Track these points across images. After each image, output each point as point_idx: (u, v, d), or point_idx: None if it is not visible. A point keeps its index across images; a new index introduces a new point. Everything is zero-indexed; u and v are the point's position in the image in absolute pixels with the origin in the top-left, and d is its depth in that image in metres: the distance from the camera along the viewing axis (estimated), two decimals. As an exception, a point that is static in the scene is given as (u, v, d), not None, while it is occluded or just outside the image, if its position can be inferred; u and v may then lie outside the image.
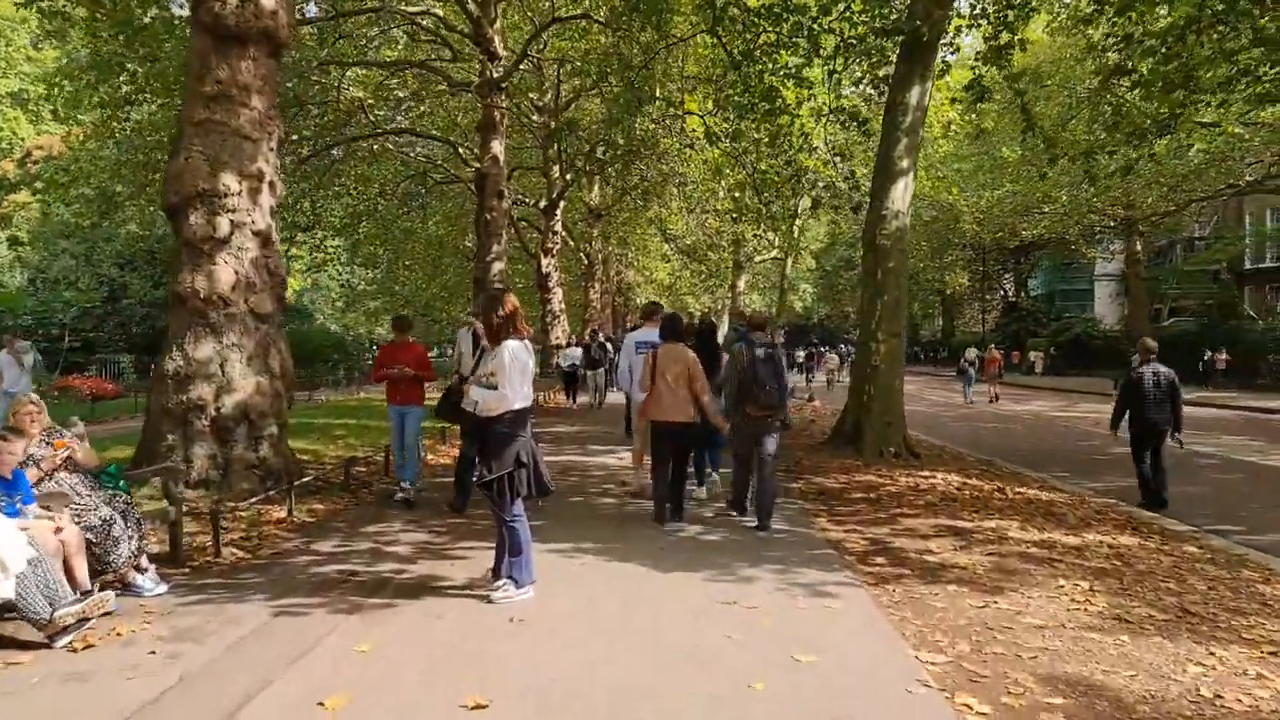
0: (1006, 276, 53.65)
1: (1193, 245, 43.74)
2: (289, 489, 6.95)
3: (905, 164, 10.82)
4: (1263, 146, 21.49)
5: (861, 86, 14.39)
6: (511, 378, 4.73)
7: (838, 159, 14.63)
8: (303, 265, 36.65)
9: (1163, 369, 8.79)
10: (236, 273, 7.75)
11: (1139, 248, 37.06)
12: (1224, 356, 28.77)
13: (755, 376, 6.66)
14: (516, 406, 4.77)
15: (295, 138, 20.66)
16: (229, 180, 7.70)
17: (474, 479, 5.04)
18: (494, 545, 5.11)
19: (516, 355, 4.77)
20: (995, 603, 4.88)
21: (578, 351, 19.86)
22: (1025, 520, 7.20)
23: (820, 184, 18.92)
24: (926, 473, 9.57)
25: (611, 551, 5.98)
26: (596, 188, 31.17)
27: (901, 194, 10.80)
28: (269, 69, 8.04)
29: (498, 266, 19.62)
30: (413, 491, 7.76)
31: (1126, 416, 8.94)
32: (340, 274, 36.67)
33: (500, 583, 4.84)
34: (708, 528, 6.83)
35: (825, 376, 31.85)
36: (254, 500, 6.93)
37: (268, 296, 7.99)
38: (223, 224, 7.66)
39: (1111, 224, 35.60)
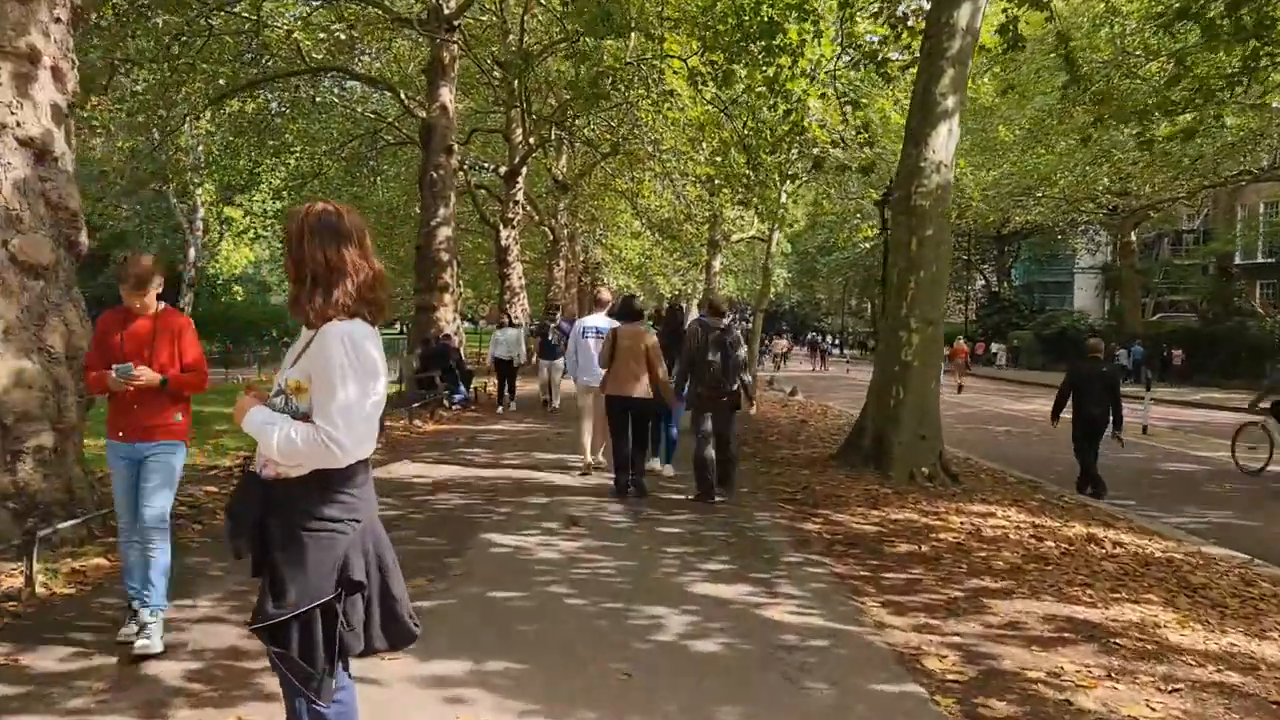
0: (987, 266, 51.81)
1: (1180, 239, 42.07)
2: (30, 539, 4.32)
3: (951, 103, 8.36)
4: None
5: (879, 22, 11.97)
6: (350, 395, 2.13)
7: (849, 108, 12.12)
8: (237, 230, 33.53)
9: (1104, 367, 9.29)
10: (-11, 200, 5.10)
11: (1133, 238, 35.18)
12: (1179, 353, 30.33)
13: (703, 356, 7.03)
14: (355, 459, 2.20)
15: (221, 80, 17.88)
16: (-23, 58, 5.04)
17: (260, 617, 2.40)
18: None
19: (360, 349, 2.16)
20: None
21: (514, 334, 14.96)
22: (1168, 602, 4.84)
23: (816, 149, 16.55)
24: (979, 507, 7.18)
25: (535, 685, 3.46)
26: (564, 158, 28.59)
27: (945, 141, 8.36)
28: (51, -103, 5.36)
29: (444, 233, 16.93)
30: (158, 627, 3.64)
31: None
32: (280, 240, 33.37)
33: (284, 818, 2.32)
34: (699, 619, 4.32)
35: (772, 364, 32.95)
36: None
37: (44, 239, 5.33)
38: (-36, 125, 5.01)
39: (1105, 211, 33.64)
